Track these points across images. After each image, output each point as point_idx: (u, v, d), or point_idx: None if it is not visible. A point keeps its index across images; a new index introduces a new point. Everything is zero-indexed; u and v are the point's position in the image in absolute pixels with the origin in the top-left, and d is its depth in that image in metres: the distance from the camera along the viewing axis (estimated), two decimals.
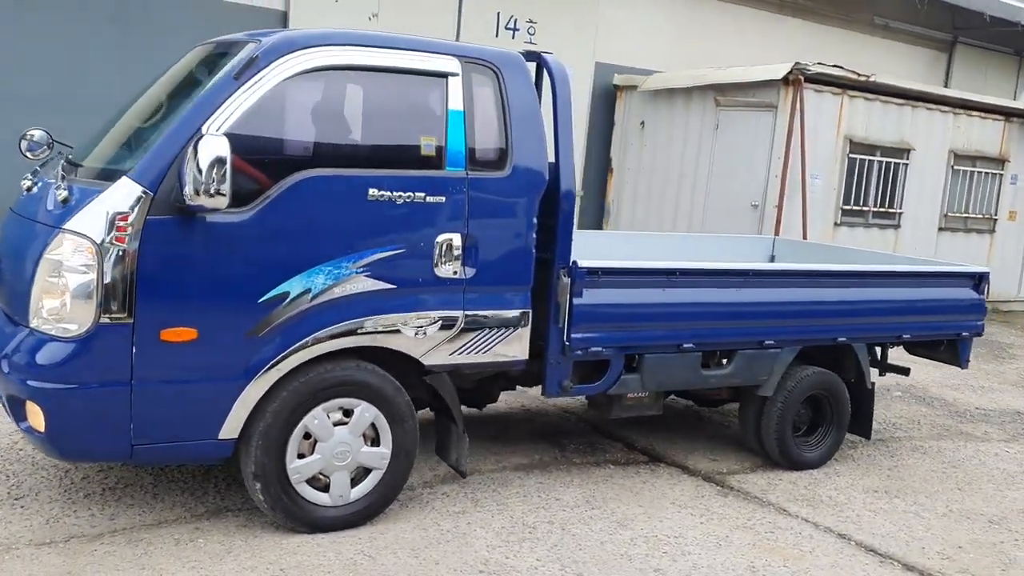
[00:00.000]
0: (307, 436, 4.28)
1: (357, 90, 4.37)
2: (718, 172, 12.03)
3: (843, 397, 5.96)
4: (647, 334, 5.13)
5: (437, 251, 4.39)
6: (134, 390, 3.88)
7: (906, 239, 12.73)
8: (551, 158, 4.78)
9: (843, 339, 5.84)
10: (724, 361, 5.50)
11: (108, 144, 4.44)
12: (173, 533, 4.27)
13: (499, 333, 4.63)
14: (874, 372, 6.52)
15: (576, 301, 4.83)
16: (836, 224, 11.99)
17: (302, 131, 4.23)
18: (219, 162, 3.67)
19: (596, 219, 13.88)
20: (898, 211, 12.57)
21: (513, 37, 12.76)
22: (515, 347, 4.71)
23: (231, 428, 4.08)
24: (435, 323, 4.43)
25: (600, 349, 4.96)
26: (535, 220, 4.68)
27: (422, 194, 4.34)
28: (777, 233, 11.21)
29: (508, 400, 6.82)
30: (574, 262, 4.81)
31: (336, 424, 4.32)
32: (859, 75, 11.69)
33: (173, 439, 4.02)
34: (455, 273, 4.45)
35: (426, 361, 4.47)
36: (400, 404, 4.44)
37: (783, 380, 5.72)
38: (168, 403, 3.96)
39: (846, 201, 12.02)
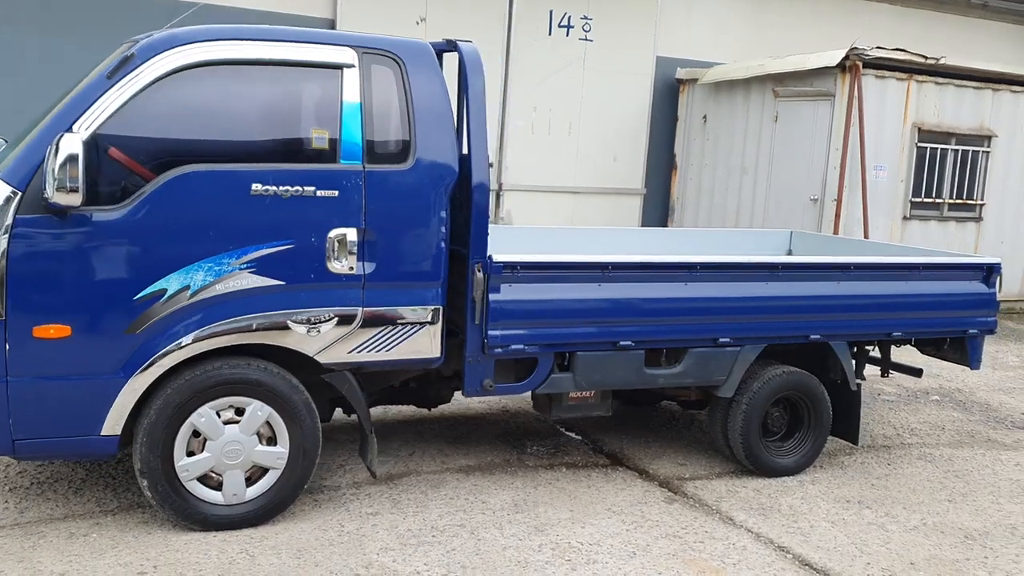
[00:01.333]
0: (198, 434, 4.25)
1: (243, 85, 4.31)
2: (778, 166, 11.53)
3: (821, 399, 5.54)
4: (577, 331, 4.89)
5: (330, 246, 4.30)
6: (10, 386, 3.94)
7: (989, 232, 11.89)
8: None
9: (816, 337, 5.43)
10: (674, 360, 5.19)
11: (13, 146, 4.55)
12: (72, 527, 4.32)
13: (405, 331, 4.50)
14: (870, 373, 6.07)
15: (493, 297, 4.65)
16: (905, 218, 11.30)
17: (180, 127, 4.19)
18: (71, 160, 3.68)
19: (661, 218, 13.53)
20: (979, 203, 11.74)
21: (567, 35, 12.58)
22: (425, 345, 4.57)
23: (112, 425, 4.10)
24: (329, 320, 4.34)
25: (522, 347, 4.76)
26: (444, 214, 4.53)
27: (312, 188, 4.25)
28: (836, 229, 10.67)
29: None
30: (489, 256, 4.62)
31: (227, 422, 4.28)
32: (926, 58, 10.97)
33: (54, 435, 4.07)
34: (351, 269, 4.34)
35: (322, 359, 4.38)
36: (297, 403, 4.36)
37: (747, 380, 5.36)
38: (46, 400, 4.01)
39: (916, 193, 11.31)
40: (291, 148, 4.34)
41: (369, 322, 4.42)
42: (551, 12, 12.45)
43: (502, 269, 4.65)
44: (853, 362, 5.63)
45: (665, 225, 13.51)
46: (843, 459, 5.92)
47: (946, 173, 11.45)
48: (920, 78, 11.09)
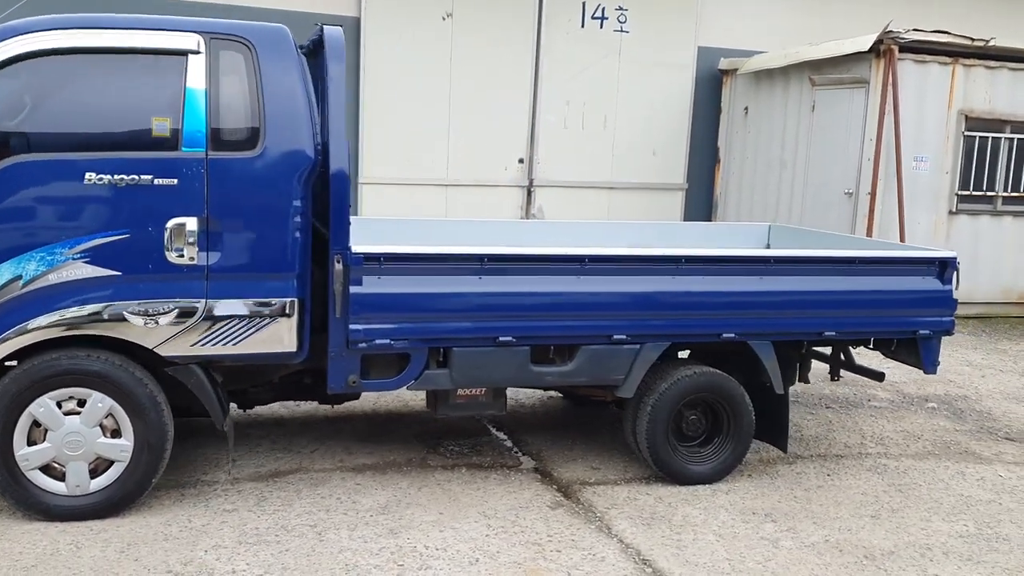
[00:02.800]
0: (39, 424, 4.24)
1: (83, 73, 4.25)
2: (815, 158, 10.96)
3: (740, 403, 5.15)
4: (453, 326, 4.68)
5: (169, 236, 4.22)
6: None
7: None
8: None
9: (730, 335, 5.05)
10: (565, 357, 4.91)
11: None
12: None
13: (254, 323, 4.39)
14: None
15: (355, 290, 4.49)
16: (952, 213, 10.55)
17: (13, 117, 4.19)
18: None
19: (705, 213, 13.05)
20: None
21: (601, 27, 12.29)
22: (279, 338, 4.44)
23: None
24: (169, 312, 4.26)
25: (388, 342, 4.57)
26: (297, 202, 4.40)
27: (149, 176, 4.19)
28: (871, 224, 10.06)
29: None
30: (348, 247, 4.46)
31: (69, 413, 4.25)
32: (973, 40, 10.20)
33: None
34: (192, 259, 4.26)
35: (163, 352, 4.31)
36: (140, 396, 4.31)
37: (653, 380, 5.04)
38: None
39: (964, 186, 10.56)
40: (133, 136, 4.27)
41: (214, 315, 4.32)
42: (583, 4, 12.16)
43: (363, 260, 4.48)
44: (777, 363, 5.19)
45: (709, 221, 13.03)
46: (780, 468, 5.50)
47: (999, 164, 10.62)
48: (967, 62, 10.32)
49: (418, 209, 11.73)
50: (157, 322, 4.25)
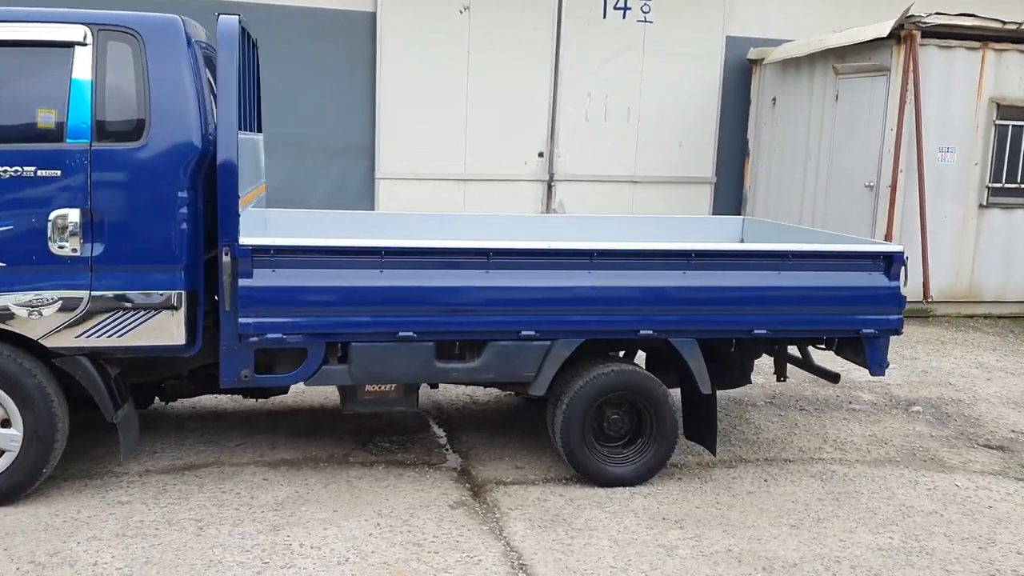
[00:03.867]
0: None
1: None
2: (838, 150, 10.54)
3: (662, 403, 4.93)
4: (349, 320, 4.58)
5: (51, 227, 4.23)
6: None
7: None
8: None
9: (648, 332, 4.83)
10: (471, 353, 4.77)
11: None
12: None
13: (139, 316, 4.37)
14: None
15: (244, 283, 4.43)
16: (983, 206, 9.99)
17: None
18: None
19: (734, 207, 12.66)
20: None
21: (624, 17, 12.04)
22: (167, 331, 4.41)
23: None
24: (52, 304, 4.27)
25: (280, 336, 4.50)
26: (184, 194, 4.38)
27: (32, 168, 4.21)
28: (891, 218, 9.63)
29: None
30: (236, 240, 4.41)
31: None
32: (1004, 23, 9.64)
33: None
34: (75, 251, 4.26)
35: (48, 343, 4.32)
36: (28, 387, 4.33)
37: (570, 378, 4.86)
38: None
39: (996, 178, 10.01)
40: (19, 129, 4.29)
41: (99, 307, 4.32)
42: None
43: (251, 253, 4.41)
44: (703, 362, 4.95)
45: (739, 215, 12.64)
46: (716, 471, 5.25)
47: None
48: (999, 46, 9.76)
49: (435, 205, 11.66)
50: (41, 313, 4.27)
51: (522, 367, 4.78)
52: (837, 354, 5.38)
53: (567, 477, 5.05)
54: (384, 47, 11.40)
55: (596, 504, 4.74)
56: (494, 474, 5.10)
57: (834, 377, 5.52)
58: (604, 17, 11.97)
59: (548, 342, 4.76)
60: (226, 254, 4.39)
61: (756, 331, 4.94)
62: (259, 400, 5.79)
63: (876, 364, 5.13)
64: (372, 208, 11.58)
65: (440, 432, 5.78)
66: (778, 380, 5.61)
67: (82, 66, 4.29)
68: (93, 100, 4.28)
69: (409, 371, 4.72)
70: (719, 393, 5.12)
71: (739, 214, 12.61)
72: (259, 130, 6.03)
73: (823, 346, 5.34)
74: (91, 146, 4.26)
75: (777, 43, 11.78)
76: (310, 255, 4.53)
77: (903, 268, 5.03)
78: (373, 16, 11.40)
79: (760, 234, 6.56)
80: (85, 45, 4.30)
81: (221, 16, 4.55)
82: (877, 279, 5.02)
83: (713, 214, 12.67)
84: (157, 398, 5.27)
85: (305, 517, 4.46)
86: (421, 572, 3.96)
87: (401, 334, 4.61)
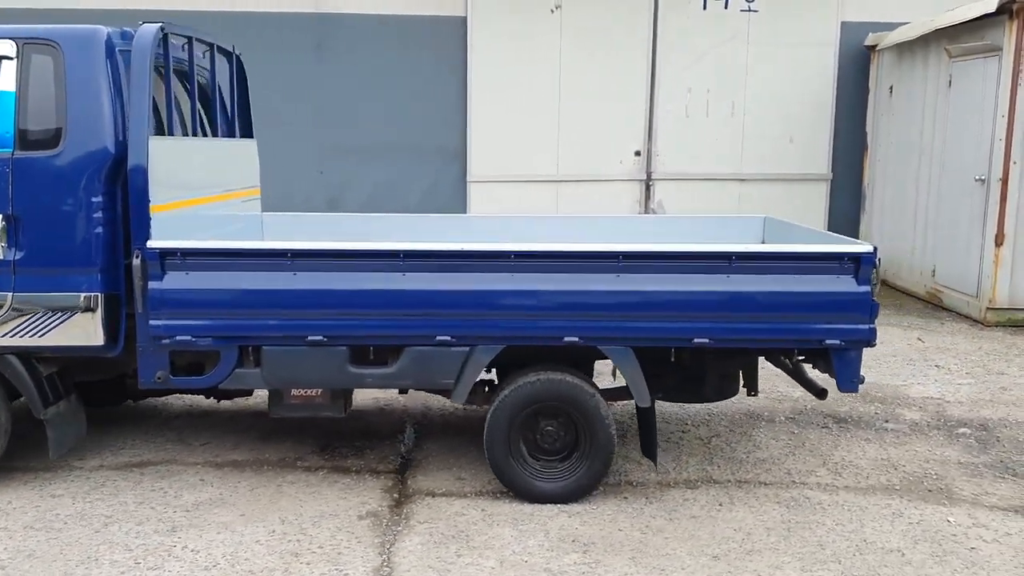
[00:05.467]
0: None
1: None
2: (951, 141, 9.60)
3: (594, 415, 4.59)
4: (259, 324, 4.55)
5: None
6: None
7: None
8: None
9: (574, 339, 4.52)
10: (387, 359, 4.63)
11: None
12: None
13: (58, 317, 4.52)
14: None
15: (154, 285, 4.50)
16: None
17: None
18: None
19: (853, 205, 11.82)
20: None
21: (726, 7, 11.51)
22: (84, 332, 4.56)
23: None
24: None
25: (190, 338, 4.53)
26: (99, 198, 4.51)
27: None
28: (1002, 216, 8.69)
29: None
30: (145, 243, 4.48)
31: None
32: None
33: None
34: None
35: None
36: None
37: (496, 386, 4.62)
38: None
39: None
40: None
41: (20, 308, 4.50)
42: None
43: (159, 256, 4.47)
44: (641, 372, 4.58)
45: (858, 216, 11.76)
46: (670, 492, 4.86)
47: None
48: None
49: (528, 207, 11.52)
50: None
51: (440, 374, 4.59)
52: (814, 367, 4.84)
53: (504, 491, 4.80)
54: (475, 50, 11.38)
55: (513, 521, 4.47)
56: (430, 484, 4.92)
57: (820, 392, 4.97)
58: (704, 8, 11.45)
59: (467, 348, 4.54)
60: (137, 257, 4.47)
61: (696, 340, 4.50)
62: (220, 401, 5.80)
63: (846, 380, 4.57)
64: (464, 211, 11.59)
65: (410, 438, 5.65)
66: (748, 395, 5.10)
67: (7, 78, 4.49)
68: (16, 110, 4.47)
69: (323, 376, 4.63)
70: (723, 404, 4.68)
71: (857, 212, 11.74)
72: (250, 136, 6.09)
73: (785, 358, 4.81)
74: (13, 155, 4.46)
75: (897, 27, 10.84)
76: (220, 258, 4.53)
77: (874, 271, 4.45)
78: (464, 20, 11.40)
79: (778, 234, 6.02)
80: (12, 59, 4.49)
81: (142, 27, 4.63)
82: (843, 283, 4.47)
83: (830, 213, 11.86)
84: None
85: (210, 520, 4.46)
86: None
87: (311, 338, 4.52)
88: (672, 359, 4.80)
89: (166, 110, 4.90)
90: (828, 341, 4.50)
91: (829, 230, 11.49)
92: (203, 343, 4.56)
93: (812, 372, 5.01)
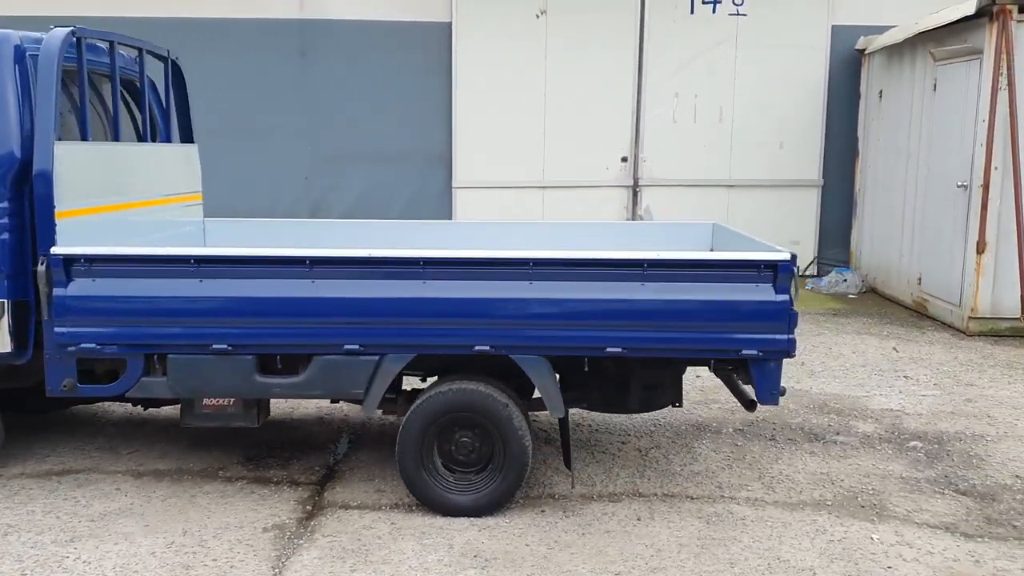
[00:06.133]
0: None
1: None
2: (936, 146, 9.39)
3: (507, 425, 4.47)
4: (163, 331, 4.48)
5: None
6: None
7: None
8: None
9: (485, 348, 4.40)
10: (295, 368, 4.54)
11: None
12: None
13: None
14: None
15: (59, 292, 4.44)
16: None
17: None
18: None
19: (845, 211, 11.62)
20: None
21: (714, 11, 11.39)
22: None
23: None
24: None
25: (94, 346, 4.47)
26: (4, 203, 4.51)
27: None
28: (983, 223, 8.47)
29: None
30: (49, 249, 4.43)
31: None
32: None
33: None
34: None
35: None
36: None
37: (407, 396, 4.52)
38: None
39: None
40: None
41: None
42: None
43: (62, 262, 4.41)
44: (554, 382, 4.46)
45: (850, 223, 11.54)
46: (591, 506, 4.72)
47: None
48: None
49: (514, 213, 11.44)
50: None
51: (349, 383, 4.50)
52: (738, 377, 4.69)
53: (419, 504, 4.69)
54: (460, 56, 11.32)
55: (420, 535, 4.36)
56: (346, 496, 4.82)
57: (749, 404, 4.81)
58: (692, 12, 11.33)
59: (376, 356, 4.44)
60: (42, 263, 4.42)
61: (609, 349, 4.37)
62: (147, 409, 5.71)
63: (765, 391, 4.42)
64: (450, 218, 11.51)
65: (342, 448, 5.56)
66: (673, 406, 4.95)
67: None
68: None
69: (229, 385, 4.55)
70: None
71: (850, 219, 11.53)
72: (190, 141, 6.04)
73: (706, 367, 4.67)
74: None
75: (888, 30, 10.64)
76: (125, 264, 4.47)
77: (792, 279, 4.29)
78: (449, 26, 11.36)
79: (726, 242, 5.87)
80: None
81: (52, 29, 4.59)
82: (761, 292, 4.32)
83: (821, 219, 11.68)
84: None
85: (112, 530, 4.39)
86: None
87: (215, 346, 4.44)
88: (596, 369, 4.67)
89: (79, 115, 4.85)
90: (745, 351, 4.35)
91: (821, 238, 11.35)
92: (108, 351, 4.49)
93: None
